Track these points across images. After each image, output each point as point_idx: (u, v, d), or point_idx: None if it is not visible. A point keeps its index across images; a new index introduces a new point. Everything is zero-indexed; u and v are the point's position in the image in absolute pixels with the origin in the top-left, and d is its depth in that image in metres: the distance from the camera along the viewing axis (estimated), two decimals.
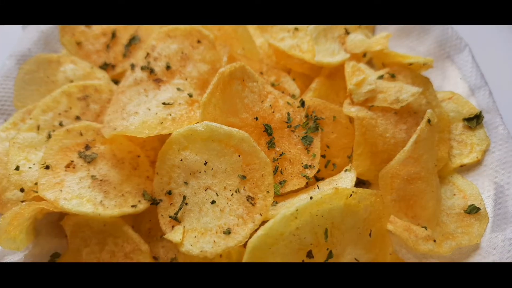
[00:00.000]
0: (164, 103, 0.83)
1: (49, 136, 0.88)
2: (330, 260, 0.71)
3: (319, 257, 0.71)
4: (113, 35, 1.05)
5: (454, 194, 0.86)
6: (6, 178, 0.87)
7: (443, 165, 0.89)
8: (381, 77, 0.93)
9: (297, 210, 0.67)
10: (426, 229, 0.78)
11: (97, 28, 1.07)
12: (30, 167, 0.84)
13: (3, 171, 0.88)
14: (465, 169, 0.90)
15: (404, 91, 0.89)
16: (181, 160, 0.78)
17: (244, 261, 0.67)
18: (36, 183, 0.81)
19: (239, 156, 0.75)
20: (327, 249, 0.71)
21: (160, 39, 0.93)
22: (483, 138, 0.91)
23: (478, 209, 0.82)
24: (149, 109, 0.83)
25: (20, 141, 0.86)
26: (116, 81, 1.00)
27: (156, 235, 0.82)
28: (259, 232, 0.67)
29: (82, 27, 1.07)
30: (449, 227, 0.80)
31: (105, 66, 1.03)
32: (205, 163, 0.77)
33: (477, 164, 0.89)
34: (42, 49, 1.10)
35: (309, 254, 0.70)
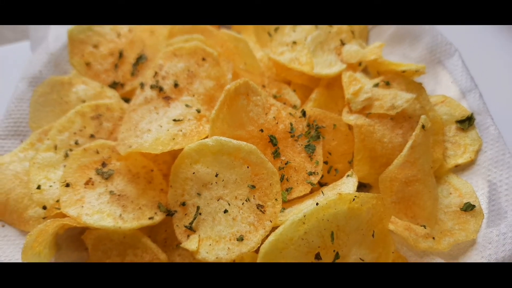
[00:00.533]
0: (174, 120, 0.89)
1: (66, 155, 0.94)
2: (337, 261, 0.76)
3: (327, 259, 0.76)
4: (121, 54, 1.10)
5: (450, 193, 0.91)
6: (27, 197, 0.92)
7: (439, 166, 0.94)
8: (376, 85, 0.99)
9: (304, 216, 0.72)
10: (425, 228, 0.83)
11: (104, 49, 1.12)
12: (50, 186, 0.89)
13: (24, 190, 0.93)
14: (459, 169, 0.96)
15: (399, 98, 0.94)
16: (194, 173, 0.83)
17: None
18: (57, 201, 0.87)
19: (248, 167, 0.80)
20: (334, 250, 0.76)
21: (167, 58, 0.98)
22: (476, 138, 0.96)
23: (473, 206, 0.87)
24: (161, 126, 0.88)
25: (40, 161, 0.91)
26: (126, 99, 1.05)
27: (172, 244, 0.87)
28: (270, 238, 0.72)
29: (90, 48, 1.12)
30: (447, 225, 0.86)
31: (114, 85, 1.08)
32: (216, 175, 0.82)
33: (471, 163, 0.95)
34: (52, 71, 1.15)
35: (317, 256, 0.75)
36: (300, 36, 1.05)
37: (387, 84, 0.99)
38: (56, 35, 1.19)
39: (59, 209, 0.84)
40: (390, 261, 0.81)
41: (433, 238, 0.83)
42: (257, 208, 0.78)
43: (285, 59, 1.01)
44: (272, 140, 0.89)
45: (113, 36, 1.14)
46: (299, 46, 1.04)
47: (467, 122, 0.98)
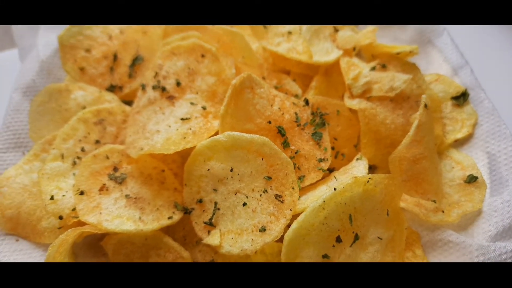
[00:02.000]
0: (182, 119, 0.89)
1: (74, 163, 0.93)
2: (357, 242, 0.79)
3: (347, 241, 0.79)
4: (115, 57, 1.09)
5: (453, 167, 0.95)
6: (39, 209, 0.92)
7: (439, 142, 0.98)
8: (373, 68, 1.02)
9: (324, 201, 0.75)
10: (435, 202, 0.87)
11: (97, 52, 1.11)
12: (63, 195, 0.88)
13: (35, 202, 0.92)
14: (459, 143, 1.00)
15: (396, 79, 0.97)
16: (208, 169, 0.84)
17: (283, 253, 0.75)
18: (73, 209, 0.86)
19: (262, 159, 0.82)
20: (353, 232, 0.79)
21: (165, 58, 0.98)
22: (471, 113, 1.00)
23: (476, 178, 0.91)
24: (170, 126, 0.89)
25: (48, 171, 0.91)
26: (126, 102, 1.04)
27: (192, 241, 0.88)
28: (293, 226, 0.75)
29: (82, 52, 1.10)
30: (453, 197, 0.90)
31: (112, 88, 1.07)
32: (231, 170, 0.83)
33: (469, 137, 0.99)
34: (46, 79, 1.13)
35: (338, 239, 0.78)
36: (294, 26, 1.06)
37: (383, 66, 1.02)
38: (45, 41, 1.17)
39: (76, 217, 0.84)
40: (404, 237, 0.85)
41: (442, 211, 0.87)
42: (276, 198, 0.80)
43: (283, 50, 1.02)
44: (281, 131, 0.90)
45: (104, 39, 1.12)
46: (295, 36, 1.05)
47: (462, 98, 1.03)
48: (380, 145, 0.95)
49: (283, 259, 0.75)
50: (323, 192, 0.83)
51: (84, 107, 1.02)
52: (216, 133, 0.88)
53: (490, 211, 0.87)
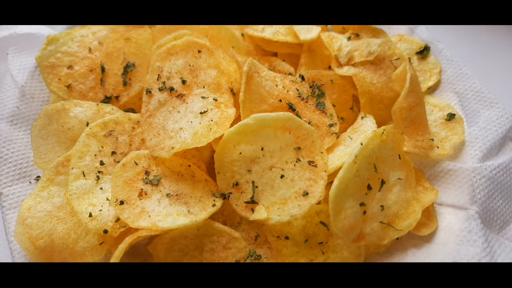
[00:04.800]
0: (201, 113, 0.93)
1: (98, 178, 0.92)
2: (384, 186, 0.91)
3: (375, 187, 0.90)
4: (103, 69, 1.08)
5: (432, 110, 1.11)
6: (73, 231, 0.91)
7: None
8: (349, 38, 1.14)
9: (356, 156, 0.85)
10: (433, 140, 1.02)
11: (81, 67, 1.08)
12: (100, 210, 0.88)
13: (67, 225, 0.91)
14: (431, 90, 1.16)
15: (372, 45, 1.10)
16: (240, 153, 0.90)
17: (330, 208, 0.83)
18: (116, 221, 0.87)
19: (289, 133, 0.89)
20: (379, 178, 0.91)
21: (163, 59, 1.00)
22: (435, 62, 1.17)
23: (454, 115, 1.08)
24: (191, 122, 0.92)
25: (76, 191, 0.89)
26: (127, 110, 1.05)
27: (234, 223, 0.94)
28: (335, 183, 0.84)
29: (64, 70, 1.07)
30: (441, 134, 1.05)
31: (107, 100, 1.06)
32: (262, 149, 0.89)
33: (438, 83, 1.16)
34: (30, 103, 1.08)
35: (369, 187, 0.89)
36: None
37: (357, 35, 1.14)
38: (18, 66, 1.11)
39: (123, 227, 0.85)
40: (414, 175, 0.98)
41: (437, 147, 1.02)
42: (309, 164, 0.89)
43: (269, 34, 1.10)
44: (291, 107, 0.98)
45: (84, 53, 1.10)
46: None
47: (425, 52, 1.19)
48: (373, 103, 1.07)
49: (332, 213, 0.83)
50: (343, 151, 0.94)
51: (86, 123, 1.00)
52: (235, 120, 0.93)
53: (472, 139, 1.04)
